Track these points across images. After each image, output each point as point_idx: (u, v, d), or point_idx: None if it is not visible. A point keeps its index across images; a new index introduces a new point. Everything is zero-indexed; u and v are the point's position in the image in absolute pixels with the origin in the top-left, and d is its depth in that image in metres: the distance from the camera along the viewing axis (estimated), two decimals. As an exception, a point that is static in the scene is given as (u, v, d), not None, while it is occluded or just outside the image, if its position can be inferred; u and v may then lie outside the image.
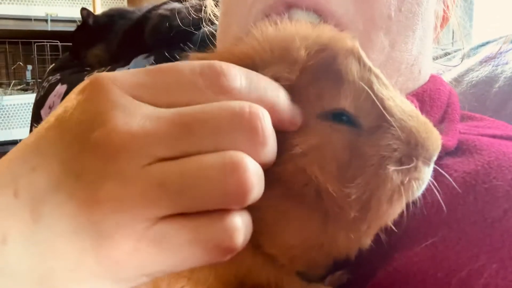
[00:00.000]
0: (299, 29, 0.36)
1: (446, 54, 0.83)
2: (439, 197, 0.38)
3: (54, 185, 0.26)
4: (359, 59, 0.35)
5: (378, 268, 0.40)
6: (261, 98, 0.31)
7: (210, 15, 0.86)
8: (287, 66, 0.33)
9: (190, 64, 0.29)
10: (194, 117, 0.28)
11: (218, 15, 0.82)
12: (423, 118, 0.36)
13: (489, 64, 0.77)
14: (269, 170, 0.31)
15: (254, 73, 0.31)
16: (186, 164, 0.27)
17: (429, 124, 0.36)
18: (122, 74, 0.29)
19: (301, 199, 0.34)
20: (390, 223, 0.36)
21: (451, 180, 0.42)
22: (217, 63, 0.29)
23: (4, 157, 0.28)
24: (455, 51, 0.88)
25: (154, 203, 0.27)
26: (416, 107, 0.49)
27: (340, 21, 0.48)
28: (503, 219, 0.39)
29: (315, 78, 0.34)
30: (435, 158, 0.36)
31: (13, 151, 0.28)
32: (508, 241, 0.38)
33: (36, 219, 0.25)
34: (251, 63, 0.34)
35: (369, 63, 0.36)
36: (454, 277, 0.37)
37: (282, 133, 0.32)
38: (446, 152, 0.47)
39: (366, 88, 0.34)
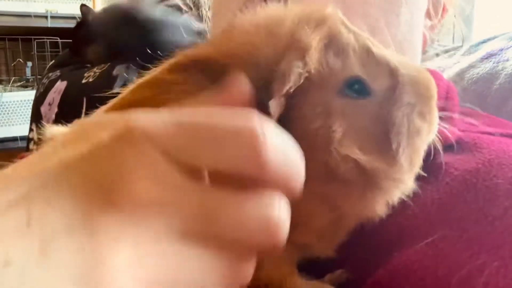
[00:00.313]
0: (286, 12, 0.35)
1: (446, 51, 0.83)
2: (438, 196, 0.38)
3: (67, 229, 0.25)
4: (347, 26, 0.36)
5: (377, 266, 0.40)
6: (287, 178, 0.28)
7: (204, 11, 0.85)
8: (301, 55, 0.33)
9: (230, 124, 0.27)
10: (220, 210, 0.27)
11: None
12: (417, 66, 0.37)
13: (490, 61, 0.77)
14: (311, 161, 0.30)
15: (290, 141, 0.29)
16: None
17: (423, 69, 0.37)
18: (155, 127, 0.27)
19: (344, 181, 0.34)
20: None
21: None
22: (259, 127, 0.27)
23: (25, 160, 0.27)
24: (455, 48, 0.88)
25: None
26: None
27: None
28: (503, 217, 0.39)
29: (323, 57, 0.34)
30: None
31: (34, 158, 0.27)
32: (509, 239, 0.37)
33: (44, 255, 0.24)
34: (254, 58, 0.33)
35: (354, 28, 0.36)
36: (455, 275, 0.37)
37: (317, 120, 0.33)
38: (446, 147, 0.47)
39: (366, 50, 0.36)
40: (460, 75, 0.78)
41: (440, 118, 0.50)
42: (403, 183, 0.36)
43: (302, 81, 0.33)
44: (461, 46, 0.87)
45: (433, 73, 0.57)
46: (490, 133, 0.50)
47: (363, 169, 0.34)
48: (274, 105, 0.31)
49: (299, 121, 0.33)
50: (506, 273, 0.36)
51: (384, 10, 0.51)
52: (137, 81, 0.35)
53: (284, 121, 0.31)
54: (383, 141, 0.34)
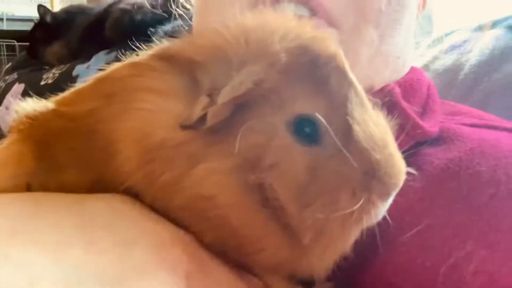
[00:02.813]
0: (279, 24, 0.34)
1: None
2: (421, 184, 0.38)
3: None
4: (341, 69, 0.33)
5: (365, 262, 0.40)
6: None
7: (177, 9, 0.83)
8: (265, 68, 0.31)
9: None
10: None
11: (189, 8, 0.80)
12: (391, 149, 0.34)
13: (454, 53, 0.78)
14: (252, 176, 0.31)
15: None
16: None
17: (396, 157, 0.34)
18: None
19: (275, 211, 0.32)
20: (347, 250, 0.35)
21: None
22: None
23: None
24: (419, 41, 0.89)
25: None
26: (398, 93, 0.48)
27: (331, 14, 0.47)
28: (489, 204, 0.39)
29: (291, 82, 0.32)
30: (393, 192, 0.34)
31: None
32: (495, 225, 0.38)
33: None
34: (224, 57, 0.32)
35: (351, 75, 0.34)
36: (442, 265, 0.37)
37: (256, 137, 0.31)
38: (428, 141, 0.47)
39: (339, 103, 0.33)
40: (425, 67, 0.79)
41: (423, 114, 0.49)
42: (313, 254, 0.33)
43: (254, 94, 0.31)
44: (424, 39, 0.88)
45: (415, 70, 0.57)
46: (469, 125, 0.50)
47: (282, 207, 0.32)
48: (213, 111, 0.31)
49: (242, 136, 0.31)
50: (493, 259, 0.36)
51: (393, 19, 0.51)
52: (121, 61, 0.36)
53: (226, 132, 0.31)
54: (305, 192, 0.32)
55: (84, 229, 0.30)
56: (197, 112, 0.31)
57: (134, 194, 0.33)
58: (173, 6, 0.80)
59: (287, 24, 0.33)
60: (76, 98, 0.36)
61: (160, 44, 0.36)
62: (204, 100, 0.31)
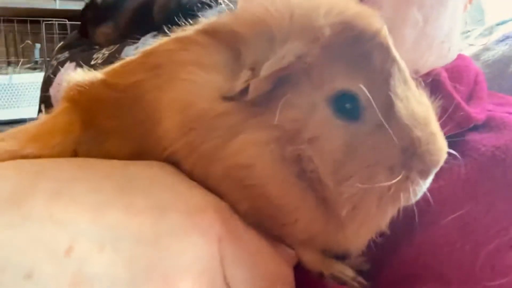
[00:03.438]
0: (324, 0, 0.34)
1: (463, 33, 0.82)
2: (465, 170, 0.38)
3: None
4: (384, 45, 0.33)
5: (402, 243, 0.40)
6: None
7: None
8: (308, 43, 0.31)
9: None
10: None
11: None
12: (433, 127, 0.33)
13: (506, 44, 0.75)
14: (290, 148, 0.31)
15: None
16: None
17: (438, 135, 0.33)
18: None
19: (311, 184, 0.33)
20: (383, 227, 0.35)
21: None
22: None
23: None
24: (469, 31, 0.86)
25: None
26: (445, 77, 0.47)
27: None
28: None
29: (333, 57, 0.32)
30: (433, 171, 0.34)
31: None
32: None
33: None
34: (268, 31, 0.33)
35: (394, 52, 0.33)
36: (483, 250, 0.37)
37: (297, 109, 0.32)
38: (474, 127, 0.46)
39: (382, 80, 0.33)
40: (475, 57, 0.77)
41: (469, 100, 0.48)
42: (348, 229, 0.33)
43: (295, 68, 0.31)
44: (476, 28, 0.85)
45: (463, 58, 0.56)
46: None
47: (320, 179, 0.32)
48: (255, 84, 0.31)
49: (282, 111, 0.32)
50: None
51: (437, 1, 0.50)
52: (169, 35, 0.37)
53: (267, 106, 0.32)
54: (342, 167, 0.32)
55: (122, 192, 0.31)
56: (239, 84, 0.32)
57: (173, 163, 0.34)
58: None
59: (332, 0, 0.33)
60: (124, 69, 0.37)
61: (206, 20, 0.37)
62: (246, 73, 0.32)
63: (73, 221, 0.29)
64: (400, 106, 0.32)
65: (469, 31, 0.82)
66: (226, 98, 0.32)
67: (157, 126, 0.34)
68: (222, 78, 0.33)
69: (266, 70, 0.31)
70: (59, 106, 0.38)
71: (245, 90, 0.31)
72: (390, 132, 0.31)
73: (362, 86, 0.32)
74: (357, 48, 0.32)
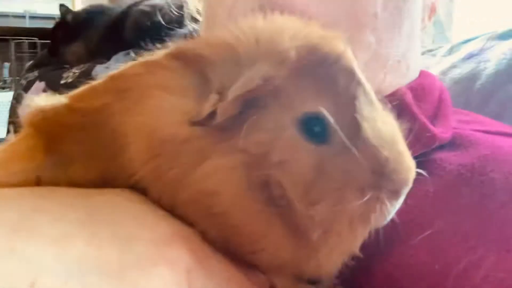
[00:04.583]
0: (288, 24, 0.34)
1: (429, 51, 0.83)
2: (433, 189, 0.38)
3: None
4: (349, 68, 0.33)
5: (371, 263, 0.40)
6: None
7: (190, 13, 0.84)
8: (275, 65, 0.31)
9: None
10: None
11: (201, 11, 0.81)
12: (400, 147, 0.33)
13: (472, 61, 0.77)
14: (258, 173, 0.31)
15: None
16: None
17: (405, 155, 0.34)
18: None
19: (279, 210, 0.32)
20: (355, 250, 0.35)
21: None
22: None
23: None
24: (436, 49, 0.88)
25: None
26: (410, 98, 0.48)
27: (323, 22, 0.47)
28: (501, 211, 0.39)
29: (300, 80, 0.32)
30: (403, 191, 0.34)
31: None
32: (506, 232, 0.37)
33: None
34: (235, 55, 0.33)
35: (359, 75, 0.34)
36: (452, 269, 0.37)
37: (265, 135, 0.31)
38: (440, 146, 0.47)
39: (348, 102, 0.33)
40: (442, 74, 0.79)
41: (434, 118, 0.49)
42: (320, 253, 0.33)
43: (263, 91, 0.31)
44: (442, 47, 0.87)
45: (426, 74, 0.57)
46: (482, 131, 0.50)
47: (290, 204, 0.32)
48: (223, 107, 0.31)
49: (249, 134, 0.32)
50: (504, 266, 0.36)
51: (391, 23, 0.51)
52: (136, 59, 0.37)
53: (235, 130, 0.31)
54: (312, 190, 0.32)
55: (86, 223, 0.30)
56: (207, 108, 0.31)
57: (140, 190, 0.33)
58: (188, 10, 0.80)
59: (297, 25, 0.34)
60: (89, 93, 0.36)
61: (174, 44, 0.37)
62: (214, 97, 0.32)
63: (35, 255, 0.28)
64: (366, 127, 0.32)
65: (434, 50, 0.84)
66: (194, 123, 0.32)
67: (123, 152, 0.33)
68: (189, 102, 0.33)
69: (233, 93, 0.31)
70: (21, 132, 0.37)
71: (212, 114, 0.31)
72: (356, 153, 0.31)
73: (323, 109, 0.32)
74: (322, 71, 0.33)
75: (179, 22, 1.18)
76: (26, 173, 0.35)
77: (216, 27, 0.52)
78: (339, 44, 0.33)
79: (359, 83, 0.33)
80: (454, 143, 0.48)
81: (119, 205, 0.32)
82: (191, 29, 1.11)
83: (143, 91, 0.34)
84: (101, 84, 0.36)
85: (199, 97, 0.32)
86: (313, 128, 0.32)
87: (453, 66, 0.80)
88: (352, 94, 0.33)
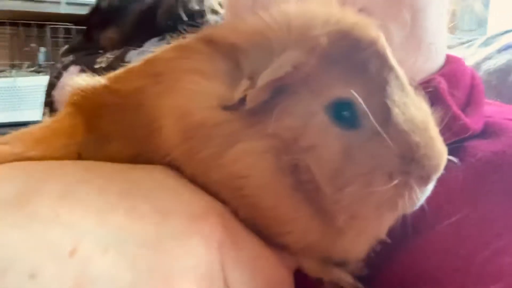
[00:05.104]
0: (321, 10, 0.34)
1: (464, 42, 0.82)
2: (462, 175, 0.38)
3: None
4: (381, 53, 0.33)
5: (397, 248, 0.40)
6: None
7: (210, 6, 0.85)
8: (306, 52, 0.32)
9: None
10: None
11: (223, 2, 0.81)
12: (432, 132, 0.33)
13: (508, 53, 0.76)
14: (287, 158, 0.31)
15: None
16: None
17: (437, 140, 0.33)
18: None
19: (307, 194, 0.33)
20: (382, 235, 0.35)
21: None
22: None
23: None
24: (470, 40, 0.87)
25: None
26: (444, 88, 0.47)
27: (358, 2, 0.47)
28: None
29: (331, 66, 0.33)
30: (433, 177, 0.33)
31: None
32: None
33: None
34: (266, 42, 0.33)
35: (392, 60, 0.34)
36: (478, 255, 0.37)
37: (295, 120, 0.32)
38: (472, 135, 0.46)
39: (379, 87, 0.33)
40: (476, 66, 0.77)
41: (467, 105, 0.48)
42: (346, 238, 0.34)
43: (293, 78, 0.32)
44: (477, 38, 0.86)
45: (455, 59, 0.56)
46: None
47: (317, 188, 0.33)
48: (253, 93, 0.32)
49: (279, 119, 0.32)
50: None
51: (425, 1, 0.50)
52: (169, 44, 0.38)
53: (265, 115, 0.32)
54: (340, 175, 0.32)
55: (126, 196, 0.32)
56: (238, 94, 0.32)
57: (175, 168, 0.35)
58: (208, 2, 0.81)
59: (329, 11, 0.34)
60: (126, 76, 0.38)
61: (206, 29, 0.37)
62: (245, 83, 0.32)
63: (78, 223, 0.30)
64: (397, 112, 0.32)
65: (471, 40, 0.83)
66: (225, 108, 0.32)
67: (157, 133, 0.34)
68: (222, 87, 0.33)
69: (262, 80, 0.31)
70: (63, 110, 0.39)
71: (243, 100, 0.32)
72: (386, 137, 0.32)
73: (354, 93, 0.32)
74: (354, 57, 0.33)
75: (212, 10, 1.18)
76: (68, 149, 0.37)
77: (240, 15, 0.52)
78: (372, 30, 0.34)
79: (391, 68, 0.33)
80: (486, 131, 0.47)
81: (157, 180, 0.33)
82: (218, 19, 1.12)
83: (177, 75, 0.35)
84: (137, 67, 0.38)
85: (231, 82, 0.33)
86: (343, 113, 0.33)
87: (488, 58, 0.78)
88: (383, 79, 0.33)
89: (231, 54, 0.34)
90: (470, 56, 0.82)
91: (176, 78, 0.35)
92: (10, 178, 0.32)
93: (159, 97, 0.35)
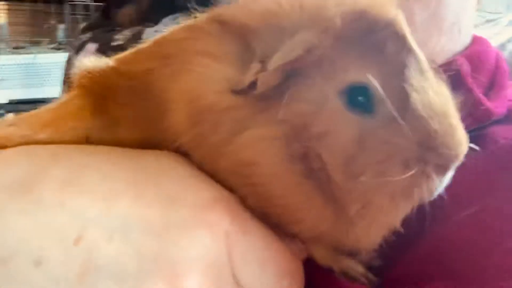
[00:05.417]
0: None
1: (488, 21, 0.79)
2: (483, 164, 0.36)
3: None
4: (399, 34, 0.32)
5: (414, 239, 0.39)
6: None
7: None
8: (319, 34, 0.30)
9: None
10: None
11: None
12: (452, 119, 0.32)
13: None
14: (297, 145, 0.31)
15: None
16: None
17: (457, 128, 0.32)
18: None
19: (318, 182, 0.32)
20: (396, 225, 0.34)
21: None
22: None
23: None
24: (496, 19, 0.83)
25: None
26: (466, 71, 0.45)
27: None
28: None
29: (346, 48, 0.31)
30: (452, 166, 0.32)
31: None
32: None
33: None
34: (278, 23, 0.32)
35: (411, 41, 0.32)
36: (497, 247, 0.36)
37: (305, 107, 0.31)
38: (495, 120, 0.44)
39: (396, 70, 0.31)
40: (502, 46, 0.74)
41: (490, 88, 0.46)
42: (359, 227, 0.32)
43: (306, 61, 0.30)
44: (503, 16, 0.83)
45: (481, 40, 0.53)
46: None
47: (329, 176, 0.32)
48: (264, 77, 0.30)
49: (290, 104, 0.31)
50: None
51: None
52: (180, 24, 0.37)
53: (276, 100, 0.31)
54: (353, 163, 0.31)
55: (133, 182, 0.31)
56: (248, 77, 0.31)
57: (184, 153, 0.34)
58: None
59: None
60: (135, 57, 0.37)
61: (217, 9, 0.36)
62: (255, 66, 0.31)
63: (83, 210, 0.30)
64: (416, 97, 0.31)
65: (496, 19, 0.80)
66: (235, 92, 0.31)
67: (166, 117, 0.34)
68: (232, 70, 0.32)
69: (274, 63, 0.30)
70: (70, 92, 0.39)
71: (254, 84, 0.31)
72: (403, 124, 0.30)
73: (371, 78, 0.30)
74: (370, 38, 0.31)
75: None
76: (76, 132, 0.36)
77: None
78: (390, 9, 0.32)
79: (410, 50, 0.32)
80: (509, 116, 0.45)
81: (164, 166, 0.33)
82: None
83: (187, 57, 0.34)
84: (146, 49, 0.37)
85: (242, 65, 0.32)
86: (358, 99, 0.31)
87: (514, 38, 0.75)
88: (401, 62, 0.31)
89: (242, 35, 0.33)
90: (495, 35, 0.79)
91: (185, 61, 0.34)
92: (15, 163, 0.32)
93: (168, 80, 0.34)
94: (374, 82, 0.31)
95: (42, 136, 0.35)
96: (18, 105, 2.74)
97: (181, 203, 0.31)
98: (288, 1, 0.32)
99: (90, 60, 0.38)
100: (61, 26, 3.25)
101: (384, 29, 0.31)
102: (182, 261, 0.29)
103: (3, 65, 2.81)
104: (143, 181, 0.31)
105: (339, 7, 0.31)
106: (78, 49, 1.55)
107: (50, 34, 3.31)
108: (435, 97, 0.31)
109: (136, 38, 1.42)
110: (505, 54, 0.73)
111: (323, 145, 0.31)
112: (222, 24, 0.34)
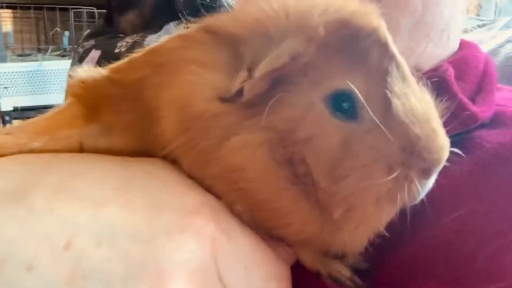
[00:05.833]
0: (324, 3, 0.33)
1: (483, 25, 0.79)
2: (468, 168, 0.37)
3: None
4: (382, 42, 0.33)
5: (398, 243, 0.39)
6: None
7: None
8: (304, 42, 0.31)
9: None
10: None
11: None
12: (434, 124, 0.32)
13: (529, 36, 0.73)
14: (283, 150, 0.31)
15: None
16: None
17: (439, 133, 0.33)
18: None
19: (304, 187, 0.33)
20: (380, 228, 0.34)
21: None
22: None
23: None
24: (491, 22, 0.84)
25: None
26: (451, 74, 0.46)
27: None
28: None
29: (330, 56, 0.32)
30: (435, 170, 0.33)
31: None
32: None
33: None
34: (265, 31, 0.33)
35: (393, 49, 0.33)
36: (481, 252, 0.36)
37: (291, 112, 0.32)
38: (481, 123, 0.45)
39: (379, 77, 0.32)
40: (496, 50, 0.75)
41: (477, 94, 0.46)
42: (344, 230, 0.33)
43: (292, 68, 0.31)
44: (498, 20, 0.83)
45: (470, 45, 0.54)
46: None
47: (314, 181, 0.32)
48: (250, 84, 0.31)
49: (276, 110, 0.32)
50: None
51: None
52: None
53: (262, 106, 0.32)
54: (337, 167, 0.32)
55: (121, 189, 0.32)
56: (235, 85, 0.32)
57: (173, 161, 0.35)
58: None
59: (337, 3, 0.33)
60: (128, 66, 0.38)
61: (207, 18, 0.37)
62: (243, 74, 0.32)
63: (73, 216, 0.31)
64: (397, 103, 0.32)
65: (490, 23, 0.80)
66: (223, 99, 0.32)
67: (157, 124, 0.35)
68: (221, 78, 0.33)
69: (259, 71, 0.31)
70: (65, 101, 0.40)
71: (241, 91, 0.32)
72: (384, 130, 0.31)
73: (351, 85, 0.31)
74: (354, 46, 0.32)
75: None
76: (70, 140, 0.37)
77: (250, 2, 0.51)
78: (373, 19, 0.33)
79: (392, 57, 0.32)
80: (495, 121, 0.46)
81: (152, 173, 0.34)
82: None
83: (177, 65, 0.35)
84: (139, 58, 0.38)
85: (231, 73, 0.33)
86: (342, 105, 0.32)
87: (509, 40, 0.76)
88: (384, 69, 0.32)
89: (232, 44, 0.34)
90: (490, 39, 0.79)
91: (176, 69, 0.35)
92: (10, 172, 0.33)
93: (159, 88, 0.35)
94: (355, 89, 0.31)
95: (37, 144, 0.36)
96: (23, 112, 2.76)
97: (167, 209, 0.31)
98: (275, 10, 0.33)
99: (83, 70, 0.39)
100: (66, 33, 3.28)
101: (368, 37, 0.32)
102: (168, 266, 0.30)
103: (9, 72, 2.84)
104: (131, 188, 0.32)
105: (323, 16, 0.32)
106: (82, 56, 1.56)
107: (55, 41, 3.34)
108: (417, 103, 0.32)
109: (138, 45, 1.44)
110: (498, 58, 0.73)
111: (308, 150, 0.32)
112: (213, 33, 0.35)
